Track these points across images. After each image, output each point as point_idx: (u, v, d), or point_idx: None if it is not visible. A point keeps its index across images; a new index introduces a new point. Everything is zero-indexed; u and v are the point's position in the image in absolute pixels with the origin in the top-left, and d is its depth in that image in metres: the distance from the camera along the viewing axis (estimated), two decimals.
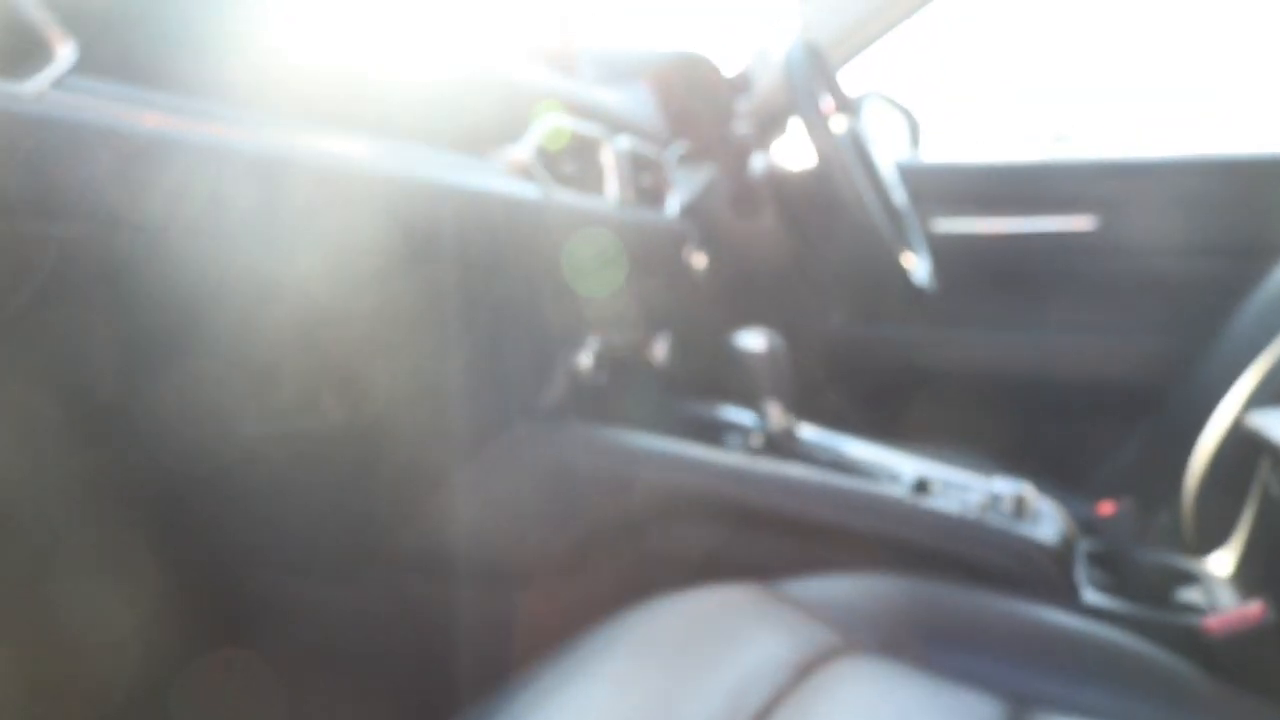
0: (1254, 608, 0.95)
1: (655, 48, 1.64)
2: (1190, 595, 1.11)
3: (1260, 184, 1.84)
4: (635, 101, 1.50)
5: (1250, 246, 1.81)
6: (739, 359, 1.18)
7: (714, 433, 1.28)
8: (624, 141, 1.26)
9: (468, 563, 1.05)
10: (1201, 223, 1.85)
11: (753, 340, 1.18)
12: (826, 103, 1.51)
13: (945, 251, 1.88)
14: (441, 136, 0.99)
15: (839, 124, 1.57)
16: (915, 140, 2.31)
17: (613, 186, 1.21)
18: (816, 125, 1.43)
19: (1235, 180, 1.86)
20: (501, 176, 1.03)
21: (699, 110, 1.67)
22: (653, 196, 1.34)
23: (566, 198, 1.10)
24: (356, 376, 0.93)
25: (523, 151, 1.06)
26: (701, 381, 1.36)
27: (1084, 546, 1.20)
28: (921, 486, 1.13)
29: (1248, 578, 1.13)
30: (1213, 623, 0.96)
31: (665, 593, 0.75)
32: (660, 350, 1.34)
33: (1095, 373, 1.88)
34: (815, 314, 1.89)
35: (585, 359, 1.16)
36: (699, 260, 1.40)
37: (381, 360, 0.94)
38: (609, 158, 1.21)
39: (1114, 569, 1.17)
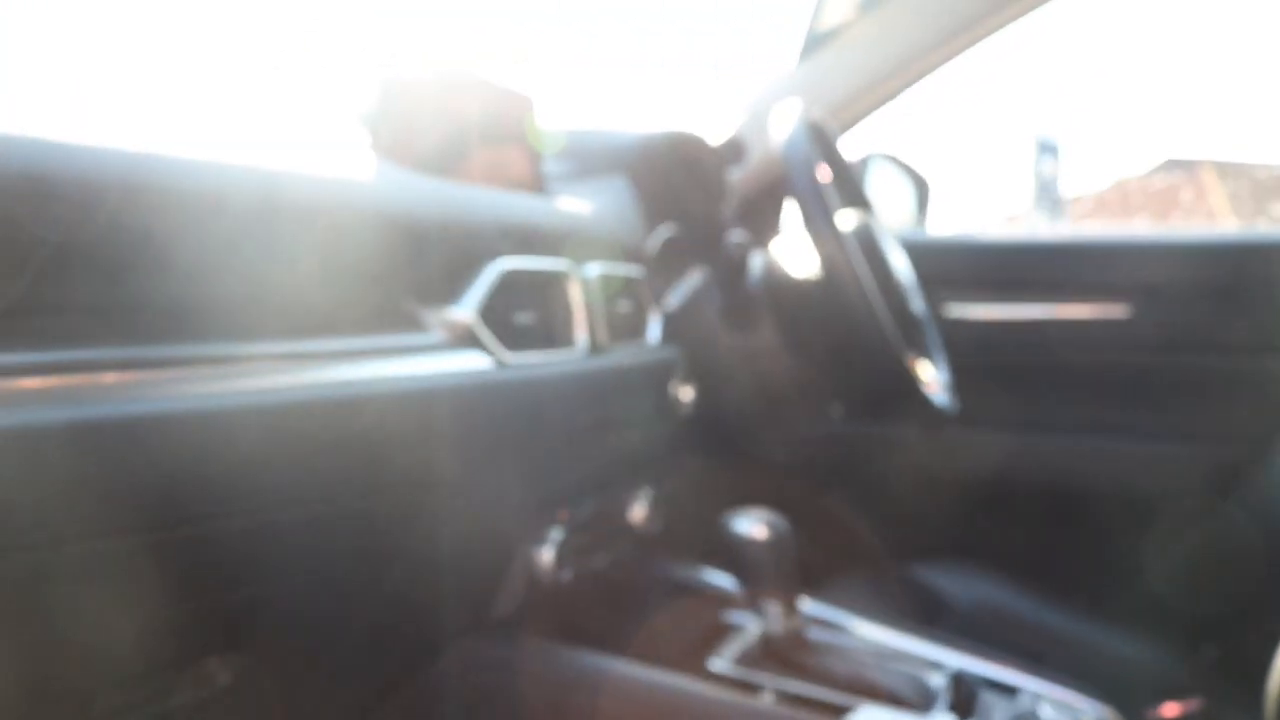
0: None
1: (634, 130, 1.43)
2: None
3: None
4: (612, 201, 1.29)
5: None
6: (737, 547, 0.97)
7: (699, 610, 1.08)
8: (594, 270, 1.05)
9: None
10: (1253, 312, 1.64)
11: (753, 525, 0.97)
12: (832, 195, 1.30)
13: (959, 341, 1.67)
14: (346, 312, 0.78)
15: (848, 221, 1.37)
16: (924, 207, 2.11)
17: (582, 332, 1.00)
18: (824, 231, 1.22)
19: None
20: (439, 352, 0.82)
21: (686, 195, 1.46)
22: (632, 324, 1.14)
23: (523, 360, 0.90)
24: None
25: (465, 312, 0.85)
26: (689, 545, 1.15)
27: None
28: (962, 704, 0.93)
29: None
30: None
31: None
32: (640, 511, 1.13)
33: (1129, 484, 1.68)
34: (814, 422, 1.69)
35: (546, 554, 0.95)
36: (685, 393, 1.19)
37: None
38: (576, 295, 1.01)
39: None
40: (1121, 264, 1.70)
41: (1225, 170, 17.11)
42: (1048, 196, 13.31)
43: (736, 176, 1.69)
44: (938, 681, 1.01)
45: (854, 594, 1.49)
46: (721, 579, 1.16)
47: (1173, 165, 18.05)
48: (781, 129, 1.29)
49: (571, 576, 0.97)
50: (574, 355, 0.99)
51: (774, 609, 0.99)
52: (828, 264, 1.22)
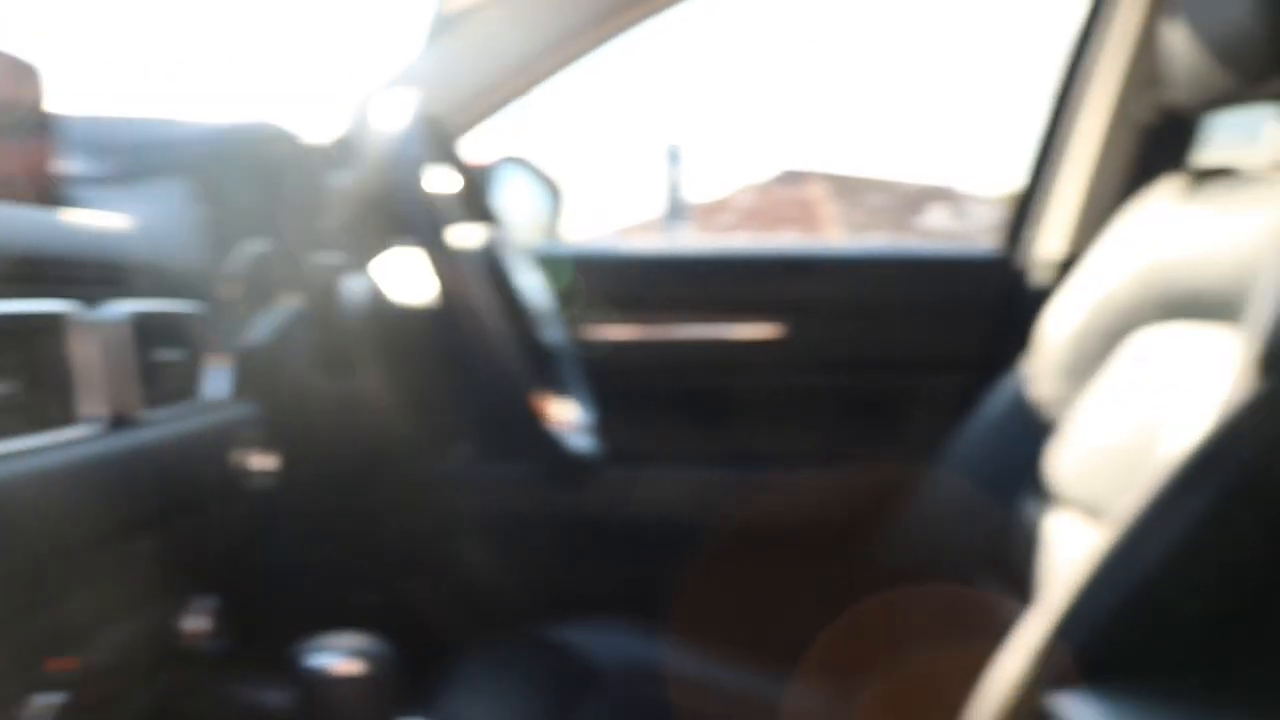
0: None
1: (200, 121, 1.14)
2: None
3: (975, 284, 1.61)
4: (166, 212, 1.00)
5: (970, 358, 1.58)
6: (310, 687, 0.72)
7: None
8: (119, 310, 0.77)
9: None
10: (908, 329, 1.59)
11: (338, 659, 0.72)
12: (449, 207, 1.08)
13: (599, 365, 1.51)
14: None
15: (468, 237, 1.15)
16: (558, 217, 1.93)
17: (94, 402, 0.72)
18: (435, 250, 1.00)
19: (948, 280, 1.62)
20: None
21: (273, 206, 1.19)
22: (181, 380, 0.86)
23: None
24: None
25: None
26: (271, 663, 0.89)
27: None
28: None
29: None
30: None
31: None
32: (198, 623, 0.86)
33: (786, 513, 1.58)
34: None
35: None
36: (261, 462, 0.92)
37: None
38: (87, 350, 0.72)
39: None
40: (775, 280, 1.60)
41: (835, 180, 18.63)
42: (676, 204, 13.89)
43: (343, 183, 1.42)
44: None
45: (489, 669, 1.31)
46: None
47: (789, 175, 19.43)
48: (390, 126, 1.06)
49: None
50: (81, 435, 0.70)
51: None
52: (440, 288, 1.01)
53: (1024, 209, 1.62)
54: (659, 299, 1.59)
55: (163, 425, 0.78)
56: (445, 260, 1.00)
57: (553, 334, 1.21)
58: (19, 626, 0.67)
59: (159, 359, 0.82)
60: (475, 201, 1.32)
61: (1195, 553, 0.88)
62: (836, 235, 17.38)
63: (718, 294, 1.59)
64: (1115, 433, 1.13)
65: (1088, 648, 0.88)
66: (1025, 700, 0.87)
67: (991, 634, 0.98)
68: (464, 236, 1.15)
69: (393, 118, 1.07)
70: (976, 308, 1.58)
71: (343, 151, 1.44)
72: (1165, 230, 1.18)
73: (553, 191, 1.92)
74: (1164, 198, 1.23)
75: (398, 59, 1.48)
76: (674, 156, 13.62)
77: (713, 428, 1.59)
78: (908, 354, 1.59)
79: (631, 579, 1.60)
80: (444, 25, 1.45)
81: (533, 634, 1.44)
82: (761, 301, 1.58)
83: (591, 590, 1.58)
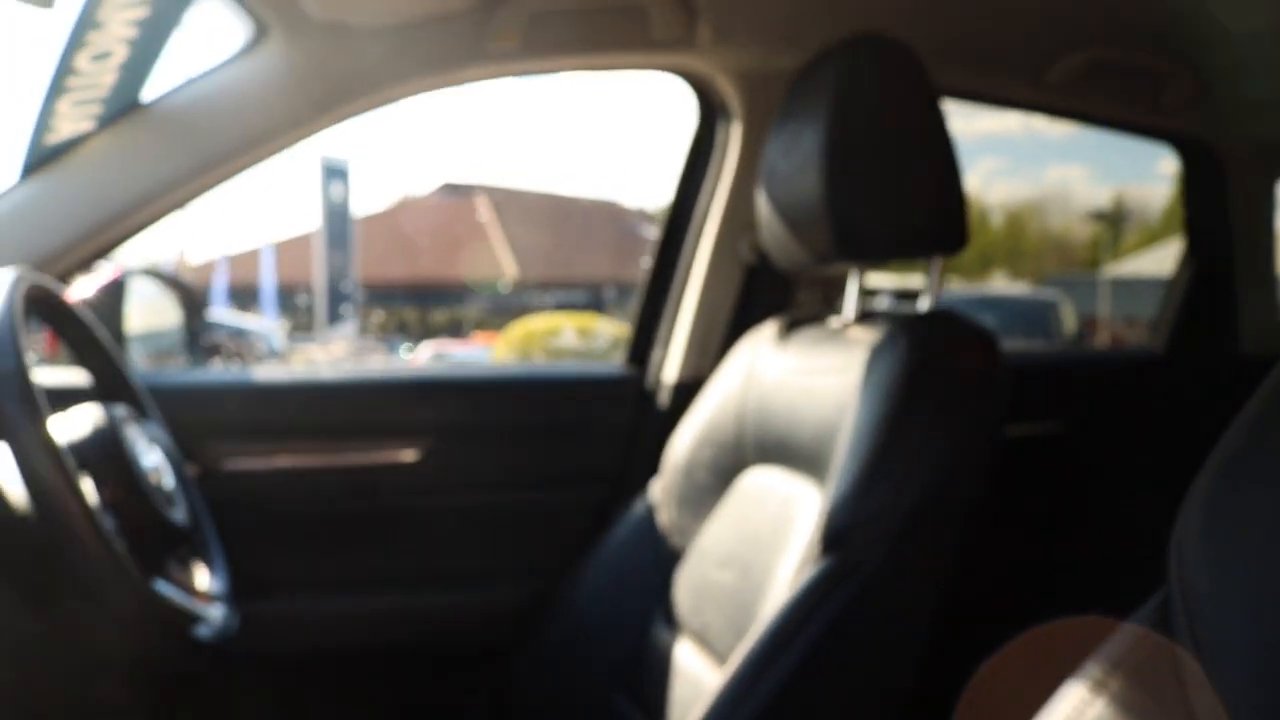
0: None
1: None
2: None
3: (607, 402, 1.68)
4: None
5: (606, 473, 1.65)
6: None
7: None
8: None
9: None
10: (547, 448, 1.65)
11: None
12: (43, 398, 1.00)
13: (234, 497, 1.47)
14: None
15: (82, 424, 1.09)
16: (195, 318, 1.86)
17: None
18: (27, 442, 0.94)
19: (582, 399, 1.69)
20: None
21: None
22: None
23: None
24: None
25: None
26: None
27: None
28: None
29: None
30: None
31: None
32: None
33: (432, 636, 1.59)
34: None
35: None
36: None
37: None
38: None
39: None
40: (413, 401, 1.61)
41: (496, 194, 18.76)
42: (338, 218, 13.50)
43: None
44: None
45: None
46: None
47: (450, 189, 19.36)
48: None
49: None
50: None
51: None
52: (33, 485, 0.95)
53: (647, 329, 1.72)
54: (296, 426, 1.55)
55: None
56: (35, 459, 0.94)
57: (179, 510, 1.17)
58: None
59: None
60: (99, 368, 1.25)
61: (791, 705, 0.98)
62: (503, 251, 17.55)
63: (354, 418, 1.57)
64: (723, 572, 1.22)
65: None
66: None
67: None
68: (75, 422, 1.09)
69: None
70: (610, 426, 1.65)
71: None
72: (764, 375, 1.29)
73: (187, 298, 1.85)
74: (765, 340, 1.34)
75: None
76: (334, 171, 13.26)
77: (356, 553, 1.58)
78: (545, 472, 1.64)
79: (285, 713, 1.56)
80: (46, 156, 1.33)
81: None
82: (399, 424, 1.58)
83: None
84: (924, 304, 1.21)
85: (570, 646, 1.41)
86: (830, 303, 1.41)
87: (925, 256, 1.20)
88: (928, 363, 1.06)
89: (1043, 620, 1.33)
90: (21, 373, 0.95)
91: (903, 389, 1.03)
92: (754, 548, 1.19)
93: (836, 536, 0.99)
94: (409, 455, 1.58)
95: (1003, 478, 1.20)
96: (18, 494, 1.00)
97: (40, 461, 0.93)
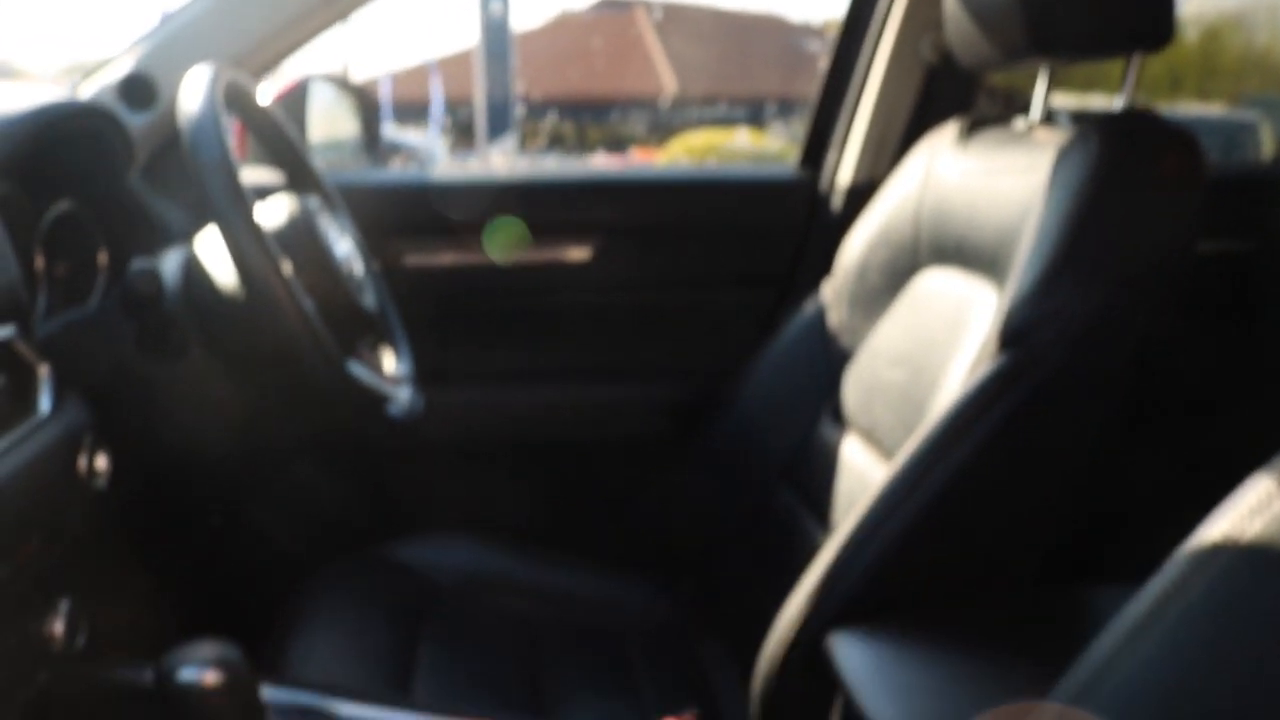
0: None
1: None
2: None
3: (779, 205, 1.68)
4: None
5: (775, 278, 1.67)
6: (185, 699, 0.78)
7: None
8: None
9: None
10: (717, 250, 1.66)
11: (201, 671, 0.78)
12: (249, 191, 1.06)
13: (415, 292, 1.54)
14: None
15: (279, 209, 1.16)
16: (372, 127, 1.92)
17: None
18: (237, 231, 1.01)
19: (754, 202, 1.69)
20: None
21: (71, 169, 1.16)
22: (13, 404, 0.87)
23: None
24: None
25: None
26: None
27: None
28: None
29: None
30: None
31: None
32: (60, 626, 0.90)
33: (605, 427, 1.67)
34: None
35: None
36: (100, 463, 0.95)
37: None
38: None
39: None
40: (583, 202, 1.65)
41: (656, 8, 18.28)
42: (497, 33, 13.45)
43: (142, 123, 1.37)
44: None
45: (332, 589, 1.36)
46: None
47: (609, 4, 18.96)
48: (189, 102, 1.04)
49: None
50: None
51: None
52: (244, 273, 1.02)
53: (822, 132, 1.69)
54: (473, 224, 1.61)
55: (1, 461, 0.80)
56: (245, 244, 1.01)
57: (369, 297, 1.24)
58: None
59: None
60: (290, 164, 1.31)
61: (955, 500, 1.00)
62: (662, 66, 17.22)
63: (529, 217, 1.62)
64: (895, 371, 1.24)
65: (862, 586, 1.00)
66: (803, 638, 0.99)
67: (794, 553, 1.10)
68: (273, 211, 1.16)
69: (192, 92, 1.05)
70: (781, 229, 1.66)
71: (144, 92, 1.38)
72: (944, 176, 1.27)
73: (365, 104, 1.90)
74: (945, 142, 1.31)
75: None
76: None
77: (528, 348, 1.65)
78: (715, 274, 1.67)
79: (464, 496, 1.67)
80: None
81: (372, 554, 1.50)
82: (571, 224, 1.63)
83: (426, 509, 1.64)
84: (1118, 103, 1.15)
85: (736, 440, 1.46)
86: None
87: (1123, 53, 1.14)
88: (1122, 162, 1.01)
89: (1210, 448, 1.29)
90: (227, 161, 1.01)
91: (1093, 187, 1.00)
92: (927, 347, 1.19)
93: (1015, 334, 0.98)
94: (581, 254, 1.62)
95: (1190, 294, 1.16)
96: (227, 275, 1.09)
97: (248, 244, 1.00)
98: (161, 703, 0.79)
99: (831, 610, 0.98)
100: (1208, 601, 0.60)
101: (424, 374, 1.39)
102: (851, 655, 0.92)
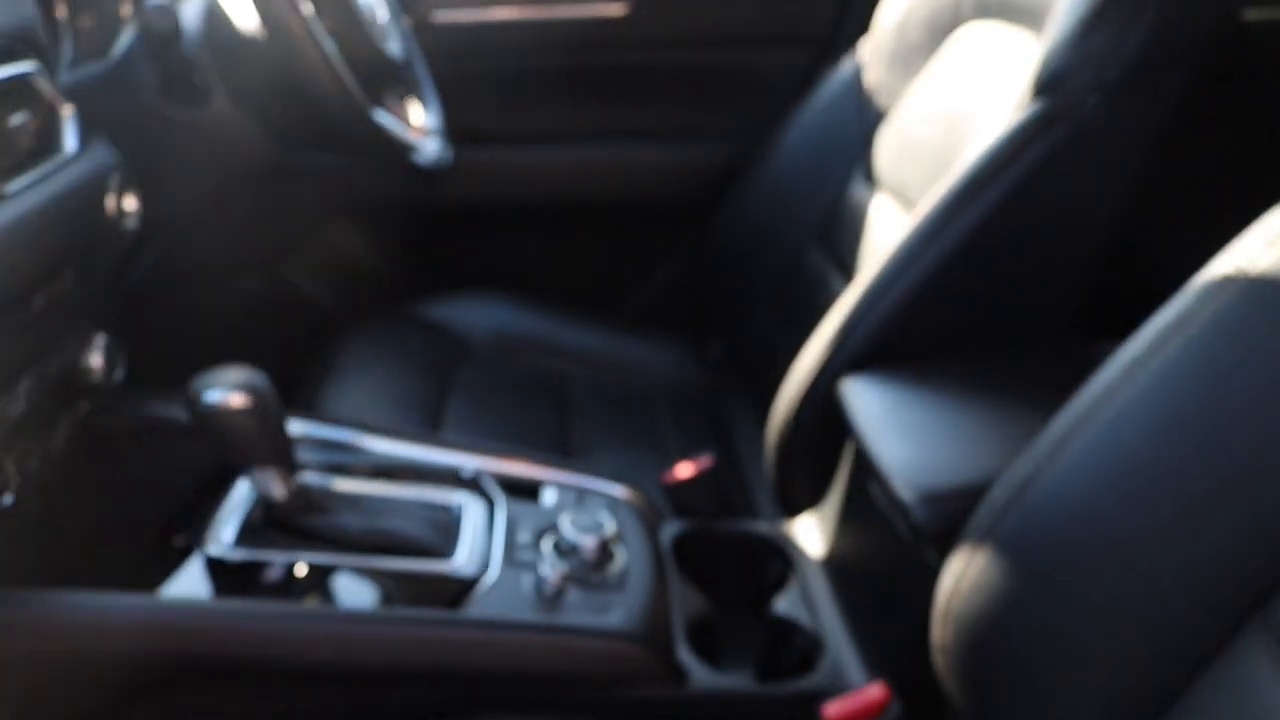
0: (876, 692, 0.83)
1: None
2: (791, 607, 0.99)
3: None
4: None
5: (813, 36, 1.61)
6: (212, 421, 0.82)
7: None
8: None
9: None
10: (754, 7, 1.60)
11: (227, 393, 0.81)
12: None
13: (446, 50, 1.51)
14: None
15: None
16: None
17: None
18: None
19: None
20: None
21: None
22: (38, 142, 0.87)
23: None
24: None
25: None
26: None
27: (668, 531, 1.04)
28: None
29: (838, 565, 1.03)
30: (832, 711, 0.83)
31: None
32: (97, 359, 0.94)
33: (637, 189, 1.65)
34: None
35: None
36: (129, 204, 0.97)
37: None
38: None
39: (704, 568, 1.02)
40: None
41: None
42: None
43: None
44: (457, 502, 0.96)
45: (366, 345, 1.39)
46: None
47: None
48: None
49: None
50: None
51: (272, 482, 0.86)
52: (261, 5, 1.01)
53: None
54: None
55: (29, 194, 0.82)
56: None
57: (394, 44, 1.21)
58: None
59: (8, 125, 0.84)
60: None
61: (977, 250, 0.99)
62: None
63: None
64: (928, 126, 1.21)
65: (878, 335, 1.01)
66: (818, 383, 1.01)
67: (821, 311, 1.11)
68: None
69: None
70: None
71: None
72: None
73: None
74: None
75: None
76: None
77: (562, 107, 1.62)
78: (752, 32, 1.60)
79: (495, 257, 1.69)
80: None
81: (405, 311, 1.53)
82: None
83: (458, 270, 1.66)
84: None
85: (769, 201, 1.44)
86: None
87: None
88: None
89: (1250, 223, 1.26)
90: None
91: None
92: (962, 102, 1.16)
93: (1050, 80, 0.95)
94: (617, 9, 1.57)
95: (1233, 63, 1.11)
96: (247, 16, 1.07)
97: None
98: (194, 432, 0.83)
99: (846, 357, 0.99)
100: (1210, 331, 0.61)
101: (454, 133, 1.38)
102: (862, 399, 0.93)
